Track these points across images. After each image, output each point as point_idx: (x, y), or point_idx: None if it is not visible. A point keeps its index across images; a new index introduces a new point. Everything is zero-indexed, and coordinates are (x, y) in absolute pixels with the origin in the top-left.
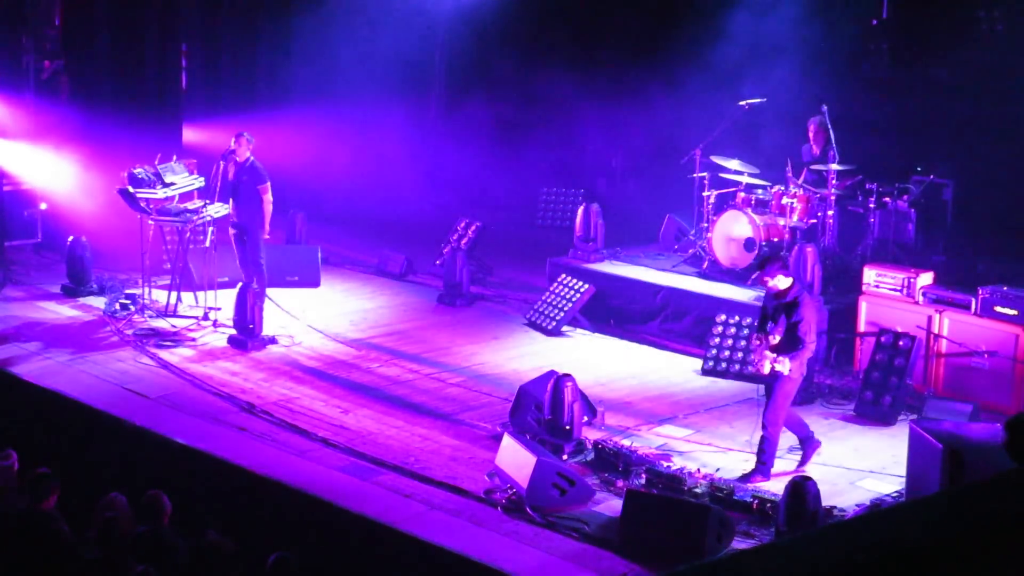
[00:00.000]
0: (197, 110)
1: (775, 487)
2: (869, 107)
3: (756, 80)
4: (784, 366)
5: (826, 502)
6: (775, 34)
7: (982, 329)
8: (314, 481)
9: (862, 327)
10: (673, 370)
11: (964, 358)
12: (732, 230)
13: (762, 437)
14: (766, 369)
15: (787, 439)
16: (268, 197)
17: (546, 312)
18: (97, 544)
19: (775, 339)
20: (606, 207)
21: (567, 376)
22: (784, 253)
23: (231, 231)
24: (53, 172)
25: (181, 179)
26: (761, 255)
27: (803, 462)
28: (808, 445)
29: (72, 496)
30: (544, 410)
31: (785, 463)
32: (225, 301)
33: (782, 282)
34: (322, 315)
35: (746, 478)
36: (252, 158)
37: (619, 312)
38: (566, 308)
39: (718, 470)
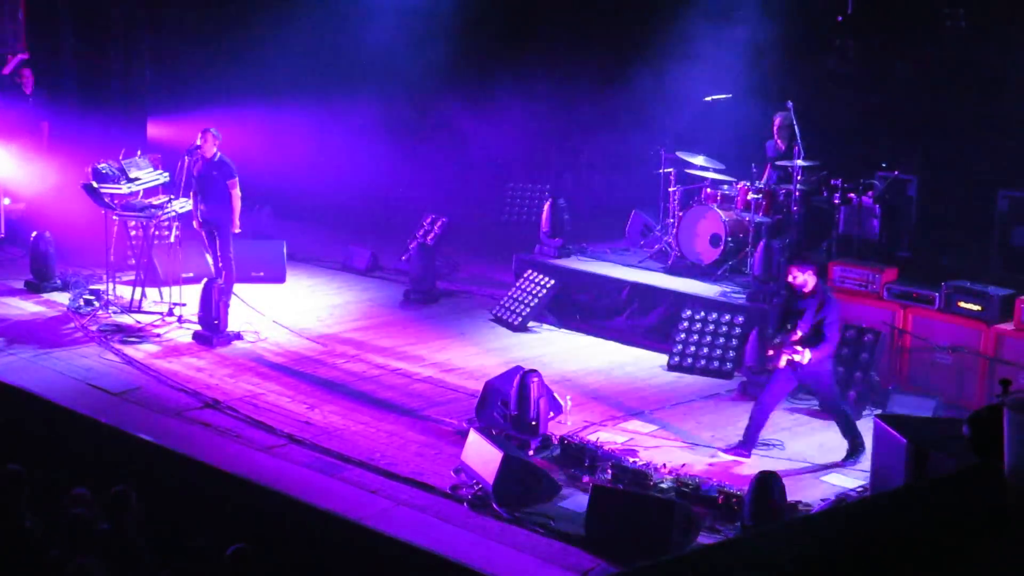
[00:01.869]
0: (162, 105)
1: (740, 482)
2: (834, 103)
3: (721, 75)
4: (805, 356)
5: (791, 497)
6: (740, 29)
7: (946, 324)
8: (280, 477)
9: None
10: (639, 365)
11: (928, 353)
12: (698, 226)
13: (841, 426)
14: (782, 363)
15: (768, 432)
16: (237, 192)
17: (512, 308)
18: (64, 541)
19: (799, 334)
20: (572, 202)
21: (533, 372)
22: (805, 254)
23: (195, 224)
24: (16, 167)
25: (145, 174)
26: (731, 246)
27: (731, 448)
28: (746, 446)
29: (36, 493)
30: (510, 406)
31: (757, 460)
32: (190, 297)
33: (811, 280)
34: (288, 310)
35: (848, 459)
36: (220, 153)
37: (585, 308)
38: (532, 304)
39: (684, 465)
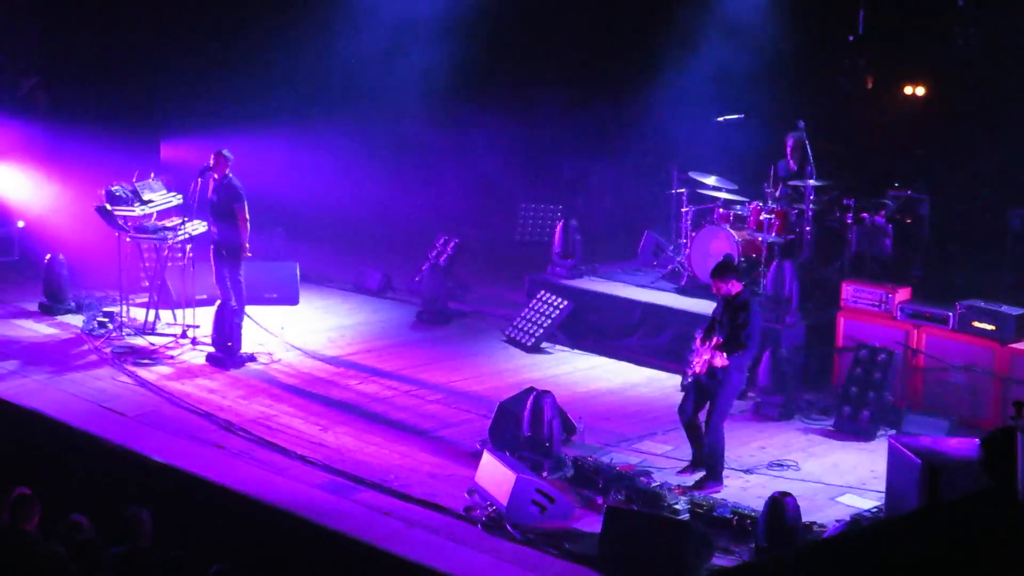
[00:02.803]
0: (175, 127)
1: (755, 503)
2: (845, 122)
3: (734, 96)
4: (720, 359)
5: (806, 518)
6: (752, 50)
7: (959, 344)
8: (293, 499)
9: (840, 342)
10: (652, 386)
11: (942, 373)
12: (710, 246)
13: (708, 444)
14: (698, 368)
15: (767, 455)
16: (244, 215)
17: (525, 328)
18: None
19: (714, 341)
20: (584, 223)
21: (546, 393)
22: (728, 262)
23: (212, 248)
24: (30, 190)
25: (159, 196)
26: (744, 266)
27: (698, 484)
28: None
29: (50, 516)
30: (523, 427)
31: (763, 478)
32: (203, 319)
33: (734, 287)
34: (301, 332)
35: (700, 485)
36: (230, 175)
37: (598, 328)
38: (545, 324)
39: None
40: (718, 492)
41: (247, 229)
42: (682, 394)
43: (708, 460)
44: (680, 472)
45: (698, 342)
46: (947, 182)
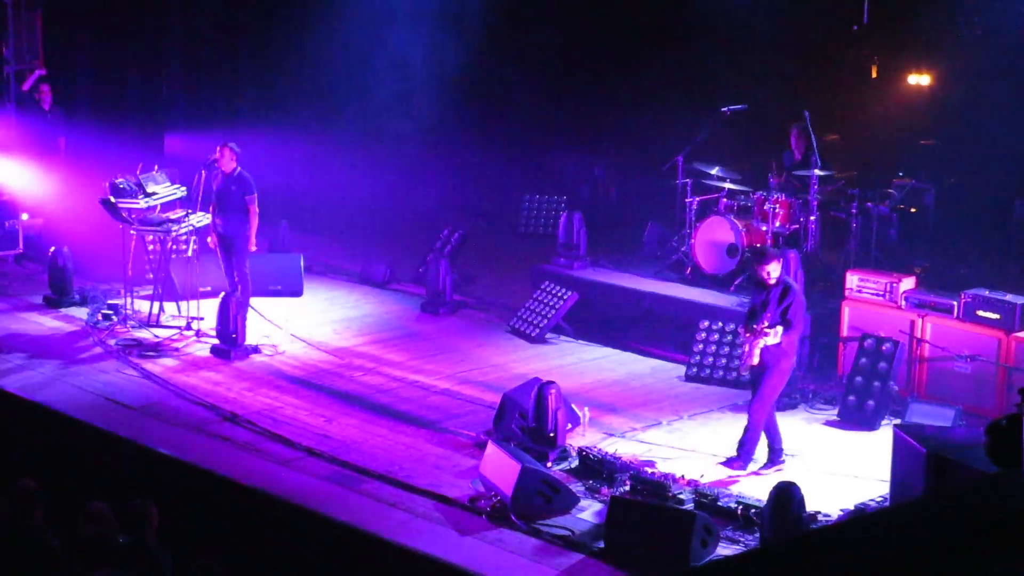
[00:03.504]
0: (179, 120)
1: (759, 492)
2: (850, 112)
3: (738, 86)
4: (771, 338)
5: (811, 507)
6: (756, 40)
7: (964, 333)
8: (298, 490)
9: (845, 332)
10: (657, 376)
11: (947, 362)
12: (715, 236)
13: (745, 427)
14: (755, 359)
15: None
16: (255, 208)
17: (529, 319)
18: (82, 557)
19: (763, 324)
20: (589, 214)
21: (551, 383)
22: (771, 249)
23: (209, 240)
24: (34, 182)
25: (163, 189)
26: (747, 256)
27: (766, 467)
28: (774, 456)
29: (55, 508)
30: (528, 417)
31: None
32: (208, 311)
33: (775, 270)
34: (305, 324)
35: (728, 462)
36: (240, 168)
37: (602, 319)
38: (549, 315)
39: (702, 476)
40: (742, 470)
41: (256, 223)
42: (688, 384)
43: (741, 439)
44: (760, 468)
45: (744, 334)
46: (952, 171)
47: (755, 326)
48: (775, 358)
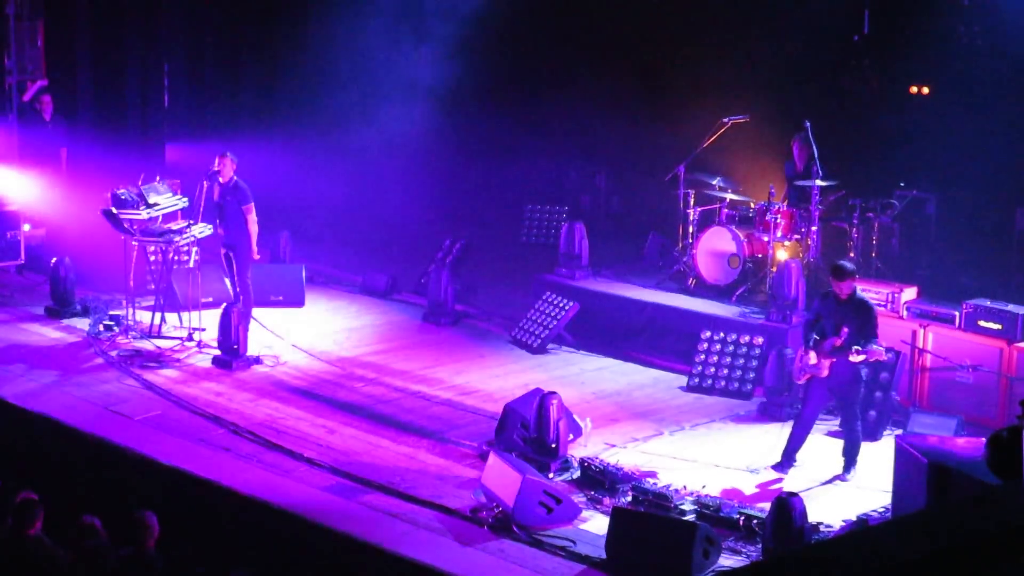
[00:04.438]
0: (180, 130)
1: (762, 504)
2: (851, 122)
3: (739, 97)
4: (867, 353)
5: (812, 518)
6: (757, 51)
7: (966, 343)
8: (300, 501)
9: None
10: (658, 387)
11: (948, 372)
12: (716, 246)
13: (845, 441)
14: (825, 371)
15: (774, 455)
16: (252, 217)
17: (531, 329)
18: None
19: (839, 341)
20: (590, 224)
21: (552, 394)
22: (847, 265)
23: (222, 251)
24: (36, 193)
25: (164, 199)
26: (749, 266)
27: (773, 466)
28: (787, 462)
29: (57, 519)
30: (530, 428)
31: (770, 478)
32: (209, 321)
33: (850, 286)
34: (307, 334)
35: (838, 476)
36: (236, 178)
37: (604, 329)
38: (551, 325)
39: (704, 487)
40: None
41: (255, 231)
42: (690, 395)
43: (846, 450)
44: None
45: (808, 347)
46: (953, 181)
47: (829, 341)
48: (854, 372)
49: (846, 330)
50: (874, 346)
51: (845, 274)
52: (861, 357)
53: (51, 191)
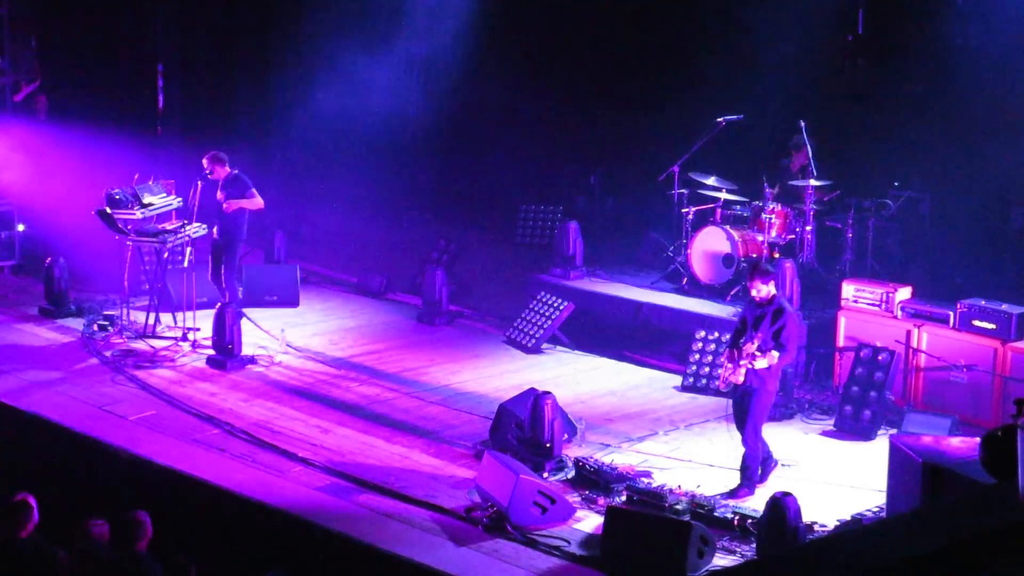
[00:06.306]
0: (174, 130)
1: (756, 503)
2: (846, 122)
3: (733, 96)
4: (762, 361)
5: (807, 518)
6: (752, 50)
7: (960, 343)
8: (294, 501)
9: (841, 342)
10: (653, 386)
11: (943, 372)
12: (711, 246)
13: (744, 454)
14: (740, 378)
15: (782, 451)
16: (258, 200)
17: (526, 329)
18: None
19: (753, 345)
20: (585, 224)
21: (547, 394)
22: (766, 266)
23: (213, 241)
24: (30, 193)
25: (159, 200)
26: (743, 266)
27: (761, 480)
28: (767, 465)
29: (51, 520)
30: (524, 428)
31: (771, 479)
32: (204, 322)
33: (764, 290)
34: (301, 334)
35: (732, 494)
36: (234, 171)
37: (599, 329)
38: (546, 325)
39: (699, 486)
40: (748, 499)
41: (261, 202)
42: (685, 395)
43: (742, 466)
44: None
45: (728, 352)
46: (947, 181)
47: (744, 347)
48: (762, 380)
49: (759, 336)
50: (761, 353)
51: (754, 273)
52: (764, 362)
53: (45, 191)
